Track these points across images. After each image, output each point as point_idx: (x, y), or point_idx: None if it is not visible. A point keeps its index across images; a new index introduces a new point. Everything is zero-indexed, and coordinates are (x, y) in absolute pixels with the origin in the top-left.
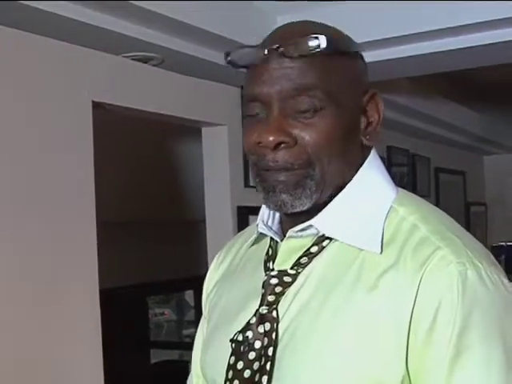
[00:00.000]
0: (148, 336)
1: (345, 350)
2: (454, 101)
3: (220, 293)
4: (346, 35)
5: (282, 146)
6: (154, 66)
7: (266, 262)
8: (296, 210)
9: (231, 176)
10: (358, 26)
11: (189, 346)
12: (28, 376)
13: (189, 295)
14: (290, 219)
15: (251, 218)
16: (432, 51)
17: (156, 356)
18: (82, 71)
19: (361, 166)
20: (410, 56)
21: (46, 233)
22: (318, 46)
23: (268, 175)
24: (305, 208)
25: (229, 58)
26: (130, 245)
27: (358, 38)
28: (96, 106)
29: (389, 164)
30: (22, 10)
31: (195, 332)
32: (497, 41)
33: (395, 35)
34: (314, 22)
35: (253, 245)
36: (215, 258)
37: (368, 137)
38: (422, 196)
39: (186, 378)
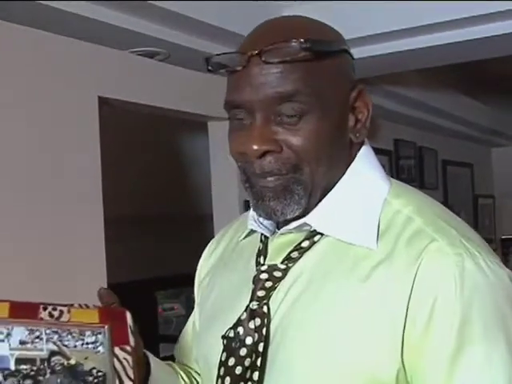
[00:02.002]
0: (157, 330)
1: (337, 344)
2: (462, 93)
3: (212, 284)
4: (331, 32)
5: (268, 153)
6: (161, 61)
7: (257, 257)
8: (287, 218)
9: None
10: (365, 19)
11: None
12: None
13: None
14: None
15: None
16: (440, 43)
17: (165, 350)
18: (87, 67)
19: (352, 161)
20: (418, 48)
21: (54, 230)
22: (298, 51)
23: (256, 181)
24: (295, 215)
25: (209, 66)
26: (139, 240)
27: (366, 30)
28: (102, 101)
29: (396, 157)
30: (27, 7)
31: None
32: (504, 32)
33: (403, 27)
34: (297, 21)
35: (245, 237)
36: (207, 247)
37: (358, 134)
38: (430, 189)
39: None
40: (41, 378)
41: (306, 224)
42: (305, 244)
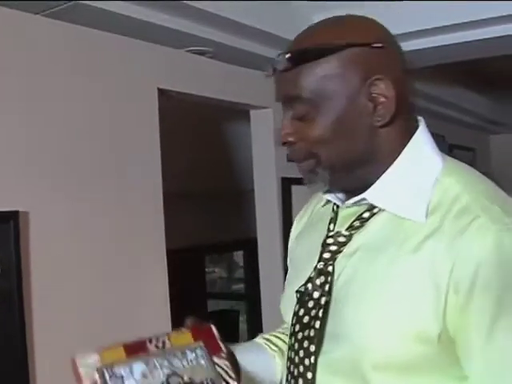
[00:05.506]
0: (205, 289)
1: (390, 305)
2: (466, 87)
3: (296, 246)
4: (338, 32)
5: (289, 144)
6: (209, 57)
7: (329, 224)
8: (324, 188)
9: (276, 151)
10: (385, 21)
11: (238, 299)
12: (106, 327)
13: (237, 256)
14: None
15: (293, 187)
16: (447, 43)
17: (212, 306)
18: (149, 63)
19: (403, 140)
20: (430, 47)
21: (123, 205)
22: (287, 62)
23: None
24: (327, 186)
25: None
26: (191, 213)
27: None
28: (161, 92)
29: None
30: (101, 13)
31: (244, 287)
32: (503, 34)
33: (416, 29)
34: (313, 28)
35: (324, 205)
36: (298, 214)
37: (379, 118)
38: None
39: (237, 325)
40: None
41: (365, 198)
42: (365, 215)
